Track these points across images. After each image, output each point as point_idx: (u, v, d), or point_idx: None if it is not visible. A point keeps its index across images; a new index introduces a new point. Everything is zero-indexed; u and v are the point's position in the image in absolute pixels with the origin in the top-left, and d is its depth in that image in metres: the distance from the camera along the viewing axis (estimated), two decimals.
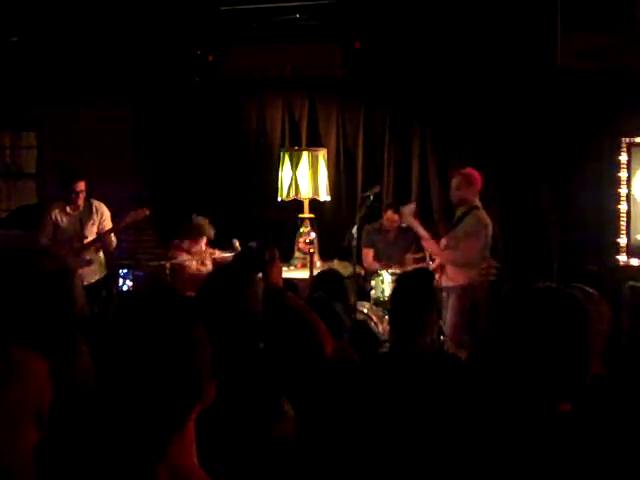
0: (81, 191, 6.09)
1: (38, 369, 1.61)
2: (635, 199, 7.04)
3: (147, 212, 6.17)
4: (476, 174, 5.99)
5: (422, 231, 6.11)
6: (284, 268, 6.38)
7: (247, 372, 2.33)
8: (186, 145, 7.89)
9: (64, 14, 6.62)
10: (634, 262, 7.00)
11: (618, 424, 2.09)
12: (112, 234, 6.23)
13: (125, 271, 5.75)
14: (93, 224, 6.19)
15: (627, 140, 7.02)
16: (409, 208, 6.27)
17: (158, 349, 1.42)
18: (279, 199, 7.16)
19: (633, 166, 7.01)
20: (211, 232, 6.28)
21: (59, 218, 6.16)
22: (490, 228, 5.93)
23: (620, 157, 7.02)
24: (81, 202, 6.14)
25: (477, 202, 5.98)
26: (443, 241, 6.02)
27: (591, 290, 2.58)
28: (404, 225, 6.50)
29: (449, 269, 5.94)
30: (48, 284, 3.20)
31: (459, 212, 5.98)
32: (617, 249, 7.05)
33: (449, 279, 5.91)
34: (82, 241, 6.10)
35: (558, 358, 1.79)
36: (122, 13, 6.57)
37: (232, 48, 7.39)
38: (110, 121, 7.91)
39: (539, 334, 1.81)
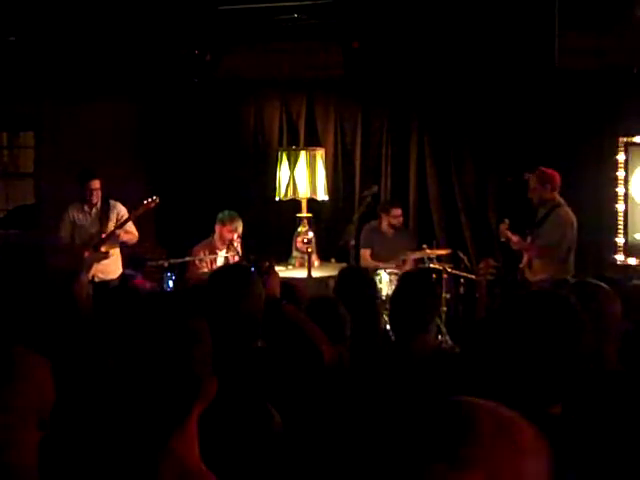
0: (95, 189, 6.26)
1: (39, 370, 1.62)
2: (633, 198, 7.04)
3: (157, 200, 6.29)
4: (550, 172, 5.90)
5: (515, 237, 5.97)
6: (282, 268, 6.43)
7: (244, 371, 2.34)
8: (185, 144, 7.89)
9: (62, 13, 6.60)
10: (631, 261, 7.01)
11: (635, 419, 2.09)
12: (133, 227, 6.39)
13: (169, 274, 5.82)
14: (111, 222, 6.33)
15: (625, 140, 7.02)
16: (504, 225, 6.07)
17: (159, 343, 1.44)
18: (277, 199, 7.17)
19: (631, 165, 7.02)
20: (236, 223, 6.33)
21: (77, 217, 6.32)
22: (575, 224, 5.83)
23: (618, 157, 7.02)
24: (96, 200, 6.30)
25: (558, 199, 5.88)
26: (529, 240, 5.93)
27: (605, 286, 2.58)
28: (503, 239, 6.17)
29: (535, 263, 5.88)
30: (51, 284, 3.21)
31: (541, 212, 5.90)
32: (615, 249, 7.06)
33: (532, 273, 5.87)
34: (100, 236, 6.23)
35: (548, 360, 1.79)
36: (120, 13, 6.56)
37: (230, 48, 7.38)
38: (108, 121, 7.90)
39: (528, 336, 1.82)
